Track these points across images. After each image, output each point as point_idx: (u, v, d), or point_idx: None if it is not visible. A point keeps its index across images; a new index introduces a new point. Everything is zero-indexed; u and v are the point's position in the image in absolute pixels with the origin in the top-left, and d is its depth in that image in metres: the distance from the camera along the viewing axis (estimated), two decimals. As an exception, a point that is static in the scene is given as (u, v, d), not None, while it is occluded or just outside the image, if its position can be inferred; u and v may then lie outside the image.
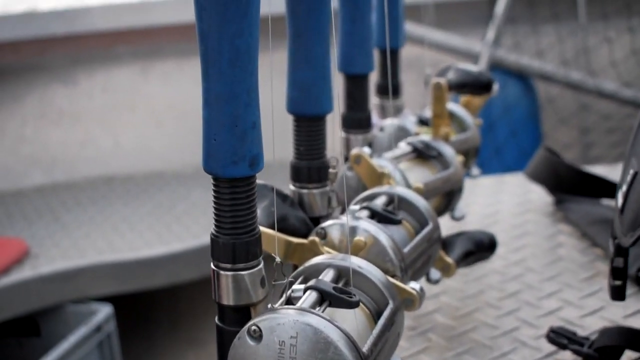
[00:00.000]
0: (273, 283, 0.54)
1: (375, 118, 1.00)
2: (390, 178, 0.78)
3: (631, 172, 0.65)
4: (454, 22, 2.16)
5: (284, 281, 0.54)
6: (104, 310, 1.58)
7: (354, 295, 0.53)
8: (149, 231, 1.73)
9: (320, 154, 0.69)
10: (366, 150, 0.80)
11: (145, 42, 2.16)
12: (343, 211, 0.73)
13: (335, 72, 0.73)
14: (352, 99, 0.86)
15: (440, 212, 0.87)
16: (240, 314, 0.54)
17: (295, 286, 0.54)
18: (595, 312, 0.83)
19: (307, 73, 0.67)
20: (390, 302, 0.58)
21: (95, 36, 2.12)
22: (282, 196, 0.68)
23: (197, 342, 1.98)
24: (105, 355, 1.56)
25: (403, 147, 0.87)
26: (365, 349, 0.52)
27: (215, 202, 0.53)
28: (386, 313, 0.57)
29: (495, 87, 0.98)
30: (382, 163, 0.80)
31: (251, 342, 0.51)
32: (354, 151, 0.79)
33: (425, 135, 0.91)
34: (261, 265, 0.54)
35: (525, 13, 2.11)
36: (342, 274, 0.58)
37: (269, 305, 0.54)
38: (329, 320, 0.50)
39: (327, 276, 0.57)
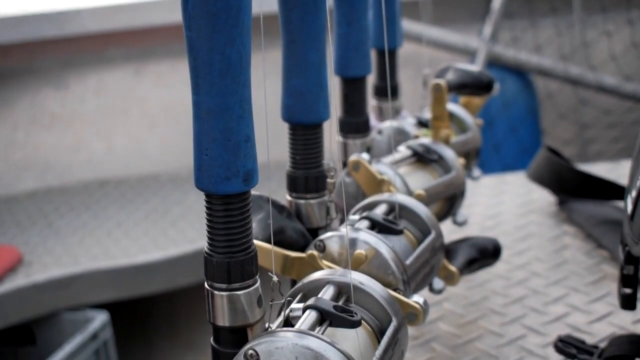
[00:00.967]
0: (270, 303, 0.51)
1: (373, 120, 0.98)
2: (390, 184, 0.75)
3: (641, 176, 0.63)
4: (450, 18, 2.13)
5: (282, 301, 0.52)
6: (100, 318, 1.55)
7: (356, 313, 0.50)
8: (144, 236, 1.70)
9: (317, 162, 0.67)
10: (365, 156, 0.77)
11: (138, 44, 2.13)
12: (342, 220, 0.71)
13: (331, 75, 0.70)
14: (349, 103, 0.83)
15: (442, 217, 0.85)
16: (237, 335, 0.51)
17: (294, 305, 0.52)
18: (604, 318, 0.81)
19: (302, 80, 0.64)
20: (394, 319, 0.55)
21: (87, 38, 2.09)
22: (278, 207, 0.66)
23: (196, 346, 1.96)
24: (102, 363, 1.54)
25: (403, 151, 0.84)
26: (368, 370, 0.50)
27: (208, 220, 0.50)
28: (389, 331, 0.54)
29: (496, 86, 0.96)
30: (382, 169, 0.78)
31: (248, 367, 0.48)
32: (353, 157, 0.77)
33: (425, 138, 0.88)
34: (257, 284, 0.51)
35: (523, 7, 2.09)
36: (342, 290, 0.55)
37: (267, 325, 0.51)
38: (329, 343, 0.48)
39: (327, 293, 0.54)
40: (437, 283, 0.71)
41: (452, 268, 0.72)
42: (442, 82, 0.88)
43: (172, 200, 1.90)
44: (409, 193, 0.76)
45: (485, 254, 0.78)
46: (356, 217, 0.66)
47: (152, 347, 1.97)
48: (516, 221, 1.08)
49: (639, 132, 0.71)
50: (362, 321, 0.53)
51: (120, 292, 1.61)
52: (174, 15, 2.01)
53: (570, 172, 1.07)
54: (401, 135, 0.91)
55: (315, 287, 0.55)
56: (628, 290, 0.66)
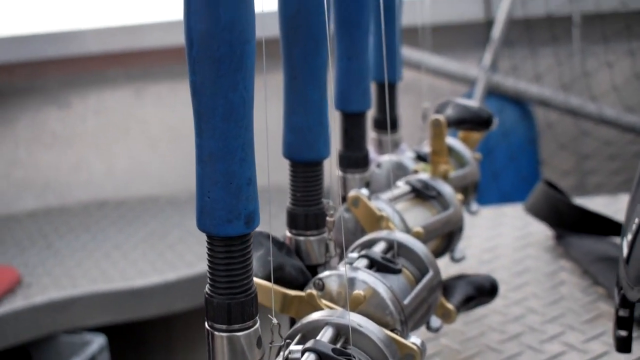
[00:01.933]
0: (270, 345, 0.52)
1: (372, 153, 0.98)
2: (389, 221, 0.76)
3: (637, 220, 0.63)
4: (450, 45, 2.14)
5: (281, 343, 0.52)
6: (98, 341, 1.55)
7: (354, 357, 0.51)
8: (143, 259, 1.70)
9: (317, 200, 0.67)
10: (364, 192, 0.78)
11: (139, 65, 2.14)
12: (341, 256, 0.71)
13: (332, 110, 0.71)
14: (349, 138, 0.84)
15: (439, 253, 0.85)
16: (236, 376, 0.52)
17: (293, 347, 0.52)
18: (600, 358, 0.81)
19: (303, 118, 0.65)
20: (391, 360, 0.56)
21: (89, 59, 2.10)
22: (278, 244, 0.66)
23: (193, 370, 1.96)
24: (98, 386, 1.54)
25: (401, 186, 0.85)
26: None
27: (209, 262, 0.51)
28: (386, 373, 0.55)
29: (495, 121, 0.96)
30: (380, 205, 0.78)
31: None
32: (352, 193, 0.77)
33: (423, 174, 0.89)
34: (257, 325, 0.52)
35: (523, 36, 2.09)
36: (341, 332, 0.56)
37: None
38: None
39: (326, 335, 0.55)
40: (435, 321, 0.71)
41: (450, 306, 0.72)
42: (441, 117, 0.89)
43: (171, 223, 1.90)
44: (407, 230, 0.77)
45: (483, 291, 0.78)
46: (355, 255, 0.67)
47: (149, 371, 1.97)
48: (513, 255, 1.08)
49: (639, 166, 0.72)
50: (360, 364, 0.53)
51: (117, 315, 1.61)
52: (175, 37, 2.02)
53: (567, 206, 1.07)
54: (400, 170, 0.91)
55: (314, 328, 0.56)
56: (623, 333, 0.66)
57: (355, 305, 0.60)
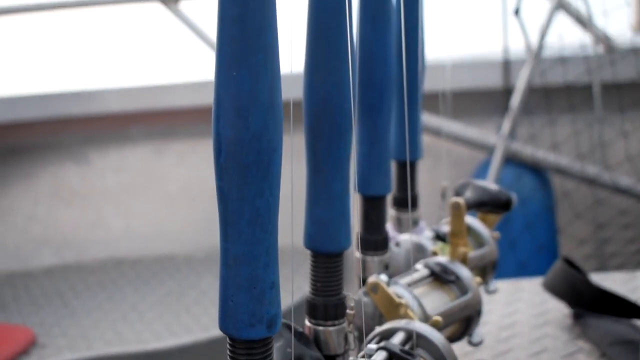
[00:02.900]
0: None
1: (391, 230, 0.99)
2: (408, 308, 0.76)
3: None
4: (469, 111, 2.15)
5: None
6: (110, 403, 1.55)
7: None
8: (158, 321, 1.71)
9: (337, 290, 0.68)
10: (383, 278, 0.78)
11: (160, 124, 2.16)
12: (360, 339, 0.72)
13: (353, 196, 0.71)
14: (368, 221, 0.84)
15: (457, 337, 0.85)
16: None
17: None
18: None
19: (325, 210, 0.65)
20: None
21: (110, 117, 2.13)
22: (297, 334, 0.66)
23: None
24: None
25: (420, 269, 0.85)
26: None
27: (230, 362, 0.51)
28: None
29: (514, 201, 0.97)
30: (399, 291, 0.78)
31: None
32: (371, 279, 0.78)
33: (442, 257, 0.89)
34: None
35: (541, 104, 2.11)
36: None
37: None
38: None
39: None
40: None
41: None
42: (460, 200, 0.89)
43: (187, 284, 1.91)
44: (426, 316, 0.77)
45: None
46: (374, 347, 0.67)
47: None
48: (531, 334, 1.08)
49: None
50: None
51: (131, 378, 1.61)
52: (197, 97, 2.05)
53: (586, 286, 1.07)
54: (419, 253, 0.92)
55: None
56: None
57: (374, 400, 0.60)
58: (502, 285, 1.25)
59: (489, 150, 2.05)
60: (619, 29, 2.17)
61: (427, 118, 1.91)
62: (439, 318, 0.75)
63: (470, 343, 0.86)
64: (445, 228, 0.95)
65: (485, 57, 2.22)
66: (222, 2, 0.46)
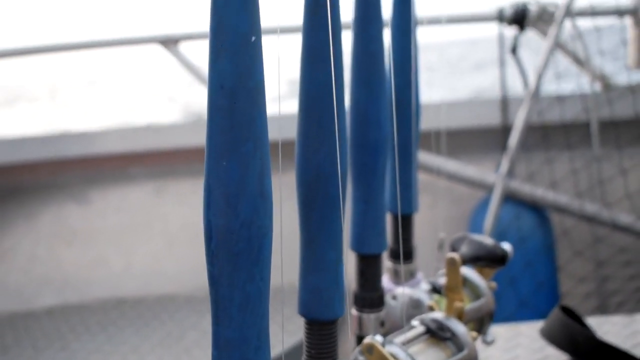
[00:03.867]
0: None
1: (387, 282, 1.00)
2: (403, 369, 0.76)
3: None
4: (467, 149, 2.16)
5: None
6: None
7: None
8: (159, 364, 1.71)
9: (332, 357, 0.68)
10: (378, 339, 0.78)
11: (160, 163, 2.17)
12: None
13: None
14: (364, 278, 0.85)
15: (454, 394, 0.86)
16: None
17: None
18: None
19: (319, 278, 0.66)
20: None
21: (110, 158, 2.14)
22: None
23: None
24: None
25: (416, 326, 0.85)
26: None
27: None
28: None
29: (510, 255, 0.97)
30: (395, 350, 0.79)
31: None
32: (366, 340, 0.78)
33: (438, 313, 0.89)
34: None
35: (539, 142, 2.11)
36: None
37: None
38: None
39: None
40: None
41: None
42: (456, 256, 0.90)
43: (188, 324, 1.91)
44: (422, 377, 0.78)
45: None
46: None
47: None
48: (529, 383, 1.08)
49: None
50: None
51: None
52: (196, 137, 2.06)
53: (584, 336, 1.07)
54: (416, 309, 0.92)
55: None
56: None
57: None
58: (501, 330, 1.26)
59: (488, 188, 2.05)
60: (616, 67, 2.18)
61: (426, 157, 1.92)
62: (433, 379, 0.75)
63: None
64: (442, 280, 0.95)
65: (484, 95, 2.24)
66: (211, 93, 0.47)
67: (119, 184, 2.18)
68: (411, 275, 1.03)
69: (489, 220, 1.91)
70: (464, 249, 0.94)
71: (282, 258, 0.55)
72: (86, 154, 2.11)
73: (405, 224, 1.00)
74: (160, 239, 2.18)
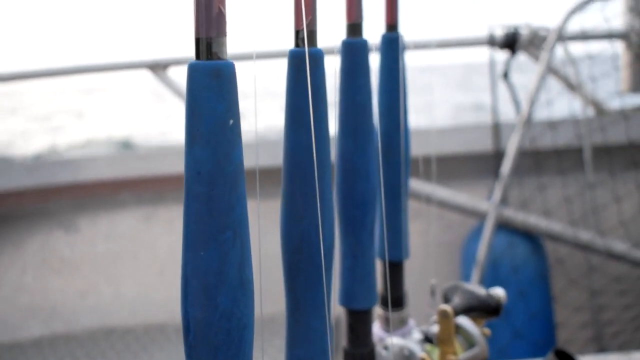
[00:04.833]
0: None
1: (379, 330, 0.97)
2: None
3: None
4: (459, 175, 2.14)
5: None
6: None
7: None
8: (147, 401, 1.68)
9: None
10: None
11: (149, 190, 2.15)
12: None
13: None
14: (354, 334, 0.82)
15: None
16: None
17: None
18: None
19: (305, 349, 0.63)
20: None
21: (98, 184, 2.12)
22: None
23: None
24: None
25: (408, 383, 0.83)
26: None
27: None
28: None
29: (503, 302, 0.95)
30: (385, 413, 0.76)
31: None
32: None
33: (430, 368, 0.87)
34: None
35: (532, 167, 2.09)
36: None
37: None
38: None
39: None
40: None
41: None
42: (448, 308, 0.87)
43: (178, 356, 1.88)
44: None
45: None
46: None
47: None
48: None
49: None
50: None
51: None
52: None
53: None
54: (407, 357, 0.90)
55: None
56: None
57: None
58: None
59: (481, 215, 2.02)
60: (608, 92, 2.17)
61: (416, 184, 1.89)
62: None
63: None
64: (434, 328, 0.93)
65: (475, 121, 2.22)
66: (187, 180, 0.44)
67: (108, 211, 2.15)
68: (402, 322, 1.00)
69: (482, 250, 1.88)
70: (457, 299, 0.92)
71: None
72: (74, 180, 2.08)
73: (395, 271, 0.98)
74: (150, 266, 2.15)
